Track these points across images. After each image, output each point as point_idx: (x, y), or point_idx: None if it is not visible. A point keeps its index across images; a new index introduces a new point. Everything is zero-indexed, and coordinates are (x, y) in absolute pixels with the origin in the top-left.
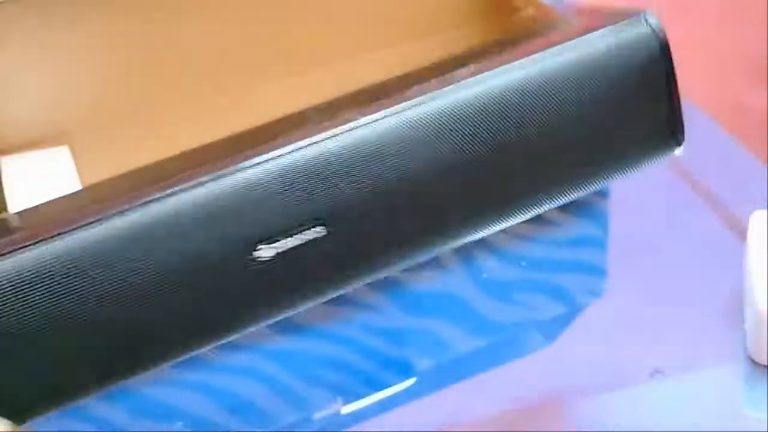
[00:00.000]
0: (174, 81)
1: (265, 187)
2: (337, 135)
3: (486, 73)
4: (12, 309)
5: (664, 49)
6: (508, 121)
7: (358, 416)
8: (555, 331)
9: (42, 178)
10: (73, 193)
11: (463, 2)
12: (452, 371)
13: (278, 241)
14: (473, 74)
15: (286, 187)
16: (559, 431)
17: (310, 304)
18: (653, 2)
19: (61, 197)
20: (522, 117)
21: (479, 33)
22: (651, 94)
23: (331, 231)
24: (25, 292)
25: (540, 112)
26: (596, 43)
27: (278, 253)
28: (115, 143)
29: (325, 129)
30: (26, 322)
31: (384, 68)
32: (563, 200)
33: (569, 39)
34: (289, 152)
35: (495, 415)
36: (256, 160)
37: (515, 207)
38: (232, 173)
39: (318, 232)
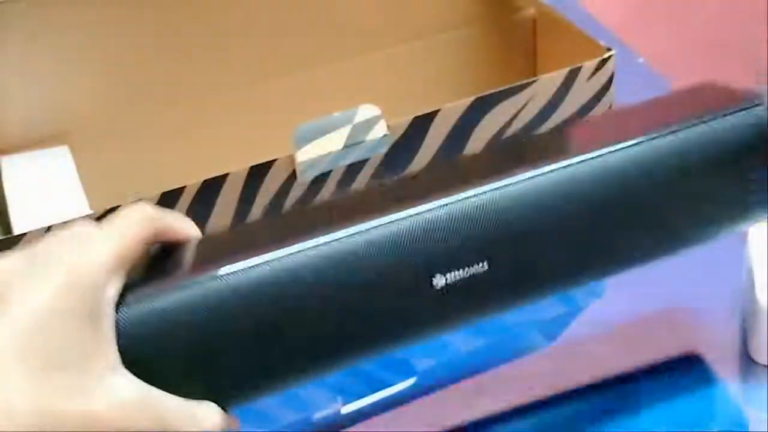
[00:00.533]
0: (173, 81)
1: (443, 227)
2: (505, 187)
3: (628, 145)
4: (236, 315)
5: None
6: (637, 187)
7: (358, 416)
8: (555, 330)
9: (42, 177)
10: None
11: (463, 2)
12: (452, 370)
13: (450, 272)
14: (619, 141)
15: (460, 228)
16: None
17: (466, 325)
18: (659, 3)
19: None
20: (646, 186)
21: (479, 33)
22: (750, 175)
23: (492, 267)
24: (248, 301)
25: (655, 186)
26: (711, 129)
27: (448, 283)
28: (115, 143)
29: (492, 181)
30: (240, 327)
31: (384, 68)
32: (665, 256)
33: (687, 119)
34: (465, 198)
35: (495, 414)
36: (438, 203)
37: (628, 260)
38: (417, 214)
39: (481, 267)
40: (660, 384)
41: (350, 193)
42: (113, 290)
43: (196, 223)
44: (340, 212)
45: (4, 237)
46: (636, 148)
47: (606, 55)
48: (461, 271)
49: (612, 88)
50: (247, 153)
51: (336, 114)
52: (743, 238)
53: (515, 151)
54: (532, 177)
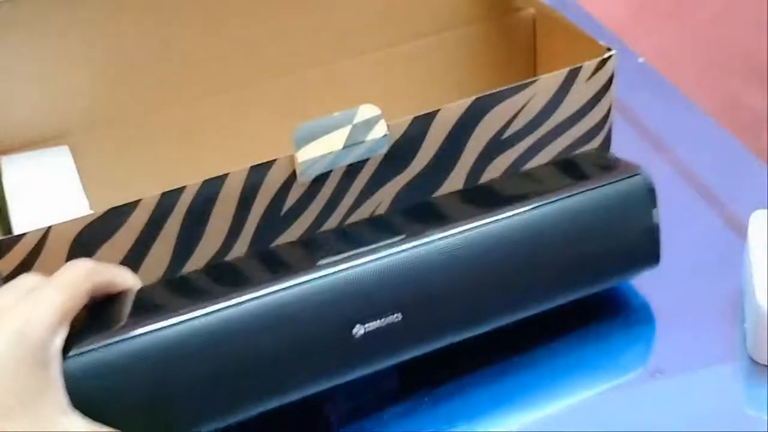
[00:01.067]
0: (173, 80)
1: (362, 283)
2: (415, 248)
3: (536, 207)
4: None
5: (653, 198)
6: (543, 241)
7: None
8: (555, 330)
9: (42, 177)
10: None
11: (463, 2)
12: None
13: (368, 323)
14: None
15: (376, 283)
16: (559, 431)
17: (381, 368)
18: (659, 2)
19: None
20: (551, 242)
21: (479, 33)
22: (640, 229)
23: (405, 317)
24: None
25: (560, 241)
26: (599, 195)
27: (366, 332)
28: (115, 143)
29: (405, 242)
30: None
31: (384, 68)
32: (569, 298)
33: (586, 187)
34: (380, 257)
35: (495, 414)
36: (358, 261)
37: (523, 308)
38: (339, 271)
39: (396, 317)
40: (660, 384)
41: (282, 245)
42: (59, 340)
43: (197, 225)
44: (273, 265)
45: (5, 237)
46: (529, 214)
47: (606, 55)
48: (378, 321)
49: (612, 88)
50: (248, 153)
51: (336, 114)
52: (743, 238)
53: (426, 210)
54: (437, 239)
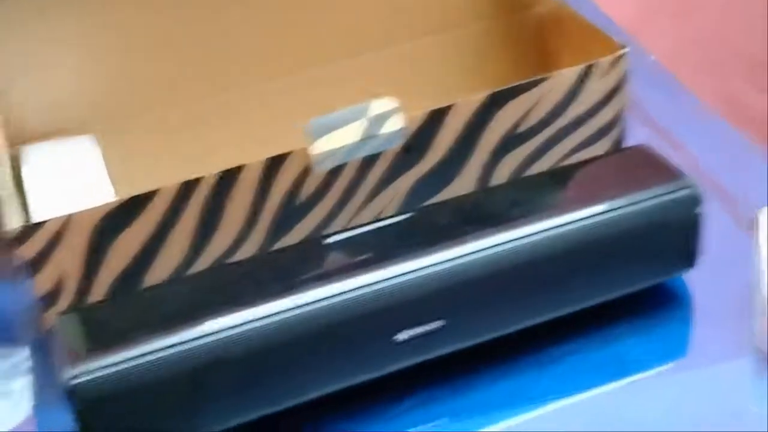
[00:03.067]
0: (196, 73)
1: (405, 293)
2: (459, 258)
3: (589, 218)
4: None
5: (700, 207)
6: (589, 249)
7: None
8: (569, 326)
9: (66, 165)
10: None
11: None
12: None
13: (410, 329)
14: (564, 214)
15: (421, 293)
16: (562, 431)
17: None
18: (658, 2)
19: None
20: (597, 249)
21: (489, 30)
22: (684, 236)
23: (447, 323)
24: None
25: (606, 247)
26: (648, 208)
27: (409, 337)
28: (137, 133)
29: (447, 249)
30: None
31: (398, 63)
32: (602, 300)
33: (632, 192)
34: (425, 267)
35: (495, 414)
36: (402, 269)
37: (573, 304)
38: (384, 281)
39: (438, 324)
40: (669, 377)
41: (326, 246)
42: None
43: (215, 214)
44: (318, 270)
45: (26, 224)
46: (579, 224)
47: (621, 52)
48: (421, 328)
49: (627, 85)
50: (266, 145)
51: (352, 106)
52: (752, 234)
53: (471, 211)
54: (484, 248)
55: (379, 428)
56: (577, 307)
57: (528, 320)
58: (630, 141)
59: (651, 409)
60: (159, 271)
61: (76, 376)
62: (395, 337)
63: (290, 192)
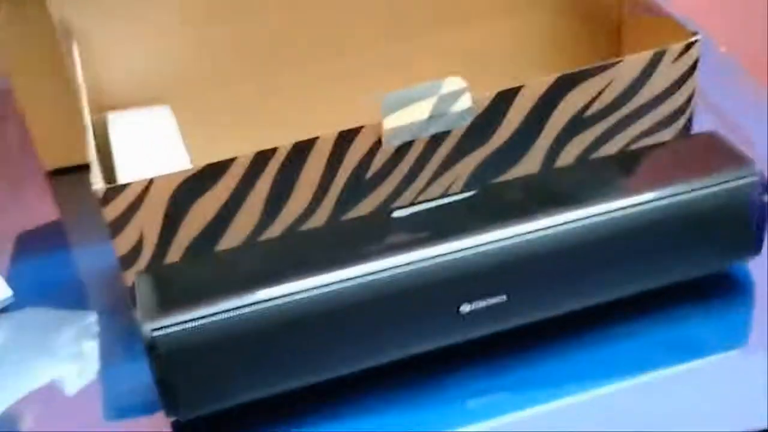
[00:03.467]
0: (273, 48)
1: (471, 266)
2: (525, 235)
3: (655, 201)
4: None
5: (766, 193)
6: (653, 231)
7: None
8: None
9: (146, 132)
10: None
11: None
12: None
13: (474, 302)
14: (629, 197)
15: (486, 267)
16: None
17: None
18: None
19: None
20: (661, 232)
21: (565, 12)
22: (750, 223)
23: (510, 298)
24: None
25: (670, 231)
26: (710, 194)
27: (473, 309)
28: (214, 104)
29: (515, 225)
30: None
31: (468, 45)
32: (665, 283)
33: (699, 177)
34: (490, 242)
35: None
36: (469, 242)
37: (635, 285)
38: (450, 253)
39: (501, 299)
40: (682, 375)
41: (396, 219)
42: None
43: (287, 184)
44: (388, 240)
45: (111, 185)
46: (643, 207)
47: (692, 40)
48: (484, 301)
49: (696, 74)
50: (339, 119)
51: (423, 84)
52: None
53: (538, 189)
54: (549, 227)
55: (438, 400)
56: (639, 290)
57: (589, 300)
58: (697, 129)
59: (709, 395)
60: (232, 237)
61: (155, 329)
62: (459, 309)
63: (360, 165)
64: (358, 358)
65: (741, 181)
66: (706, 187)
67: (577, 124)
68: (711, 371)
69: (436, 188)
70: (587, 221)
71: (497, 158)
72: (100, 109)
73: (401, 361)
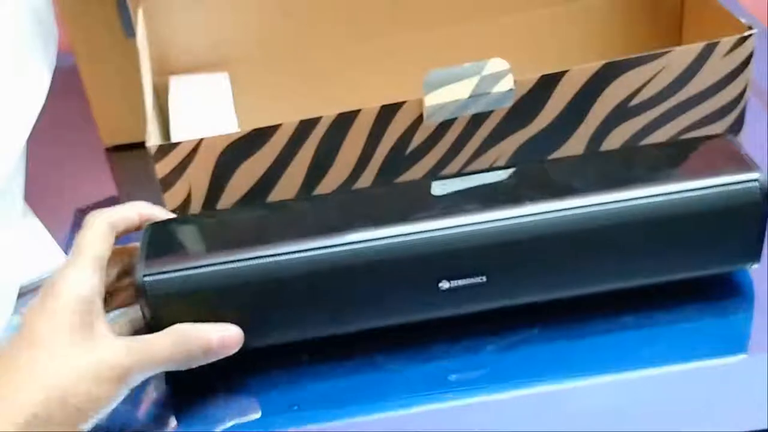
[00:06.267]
0: (326, 25)
1: (454, 244)
2: (511, 219)
3: (647, 198)
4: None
5: (766, 200)
6: (645, 229)
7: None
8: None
9: (202, 97)
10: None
11: None
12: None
13: (453, 280)
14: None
15: (468, 248)
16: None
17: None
18: None
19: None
20: (653, 231)
21: (613, 3)
22: (749, 229)
23: (489, 280)
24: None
25: (664, 228)
26: (714, 195)
27: (451, 287)
28: (268, 73)
29: (501, 209)
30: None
31: (526, 29)
32: (654, 282)
33: (698, 177)
34: (473, 223)
35: (494, 412)
36: (453, 222)
37: (621, 281)
38: (433, 230)
39: (481, 279)
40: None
41: (384, 190)
42: (98, 299)
43: (329, 153)
44: (375, 212)
45: (165, 143)
46: (633, 203)
47: (747, 33)
48: (463, 280)
49: (749, 68)
50: (383, 95)
51: (467, 64)
52: None
53: (533, 177)
54: (536, 213)
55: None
56: (627, 285)
57: (574, 290)
58: (749, 126)
59: (709, 395)
60: (274, 200)
61: (147, 275)
62: (439, 285)
63: (400, 140)
64: (335, 323)
65: (740, 186)
66: (703, 188)
67: (622, 113)
68: (711, 371)
69: (474, 167)
70: (573, 212)
71: (538, 142)
72: (164, 74)
73: (381, 330)
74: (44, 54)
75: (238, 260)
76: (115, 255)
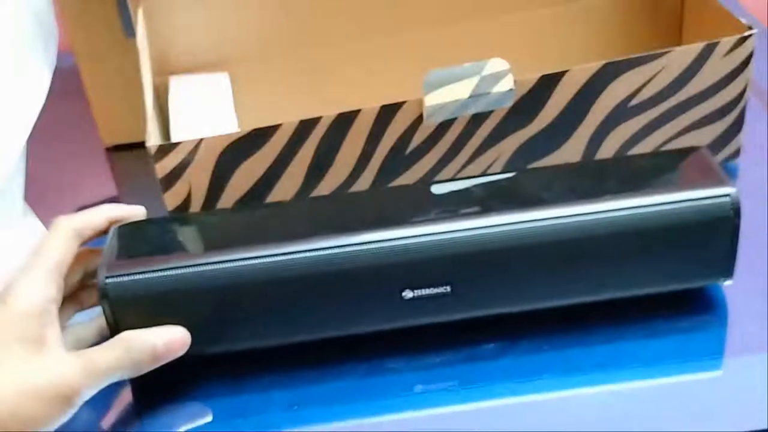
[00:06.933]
0: (325, 25)
1: (420, 253)
2: (477, 229)
3: (610, 209)
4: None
5: (737, 216)
6: (614, 242)
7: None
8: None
9: (202, 97)
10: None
11: None
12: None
13: (418, 289)
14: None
15: (432, 257)
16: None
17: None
18: None
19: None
20: (635, 242)
21: (614, 3)
22: (720, 245)
23: (454, 290)
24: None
25: (641, 243)
26: (686, 209)
27: (415, 296)
28: (268, 74)
29: (468, 219)
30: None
31: (526, 29)
32: (624, 296)
33: (667, 191)
34: (438, 232)
35: (495, 412)
36: (419, 231)
37: (588, 294)
38: (397, 239)
39: (445, 289)
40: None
41: (346, 196)
42: (51, 306)
43: (329, 153)
44: (339, 219)
45: (165, 143)
46: (599, 216)
47: (746, 33)
48: (427, 290)
49: (749, 68)
50: (383, 95)
51: (467, 64)
52: None
53: (502, 188)
54: (503, 224)
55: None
56: (598, 299)
57: (541, 302)
58: (749, 126)
59: (709, 396)
60: (274, 201)
61: (108, 277)
62: (403, 294)
63: (400, 140)
64: (297, 331)
65: (712, 201)
66: (673, 202)
67: (622, 112)
68: (711, 371)
69: (475, 168)
70: (541, 223)
71: (538, 142)
72: (164, 74)
73: (345, 339)
74: (44, 54)
75: (200, 264)
76: (82, 257)
